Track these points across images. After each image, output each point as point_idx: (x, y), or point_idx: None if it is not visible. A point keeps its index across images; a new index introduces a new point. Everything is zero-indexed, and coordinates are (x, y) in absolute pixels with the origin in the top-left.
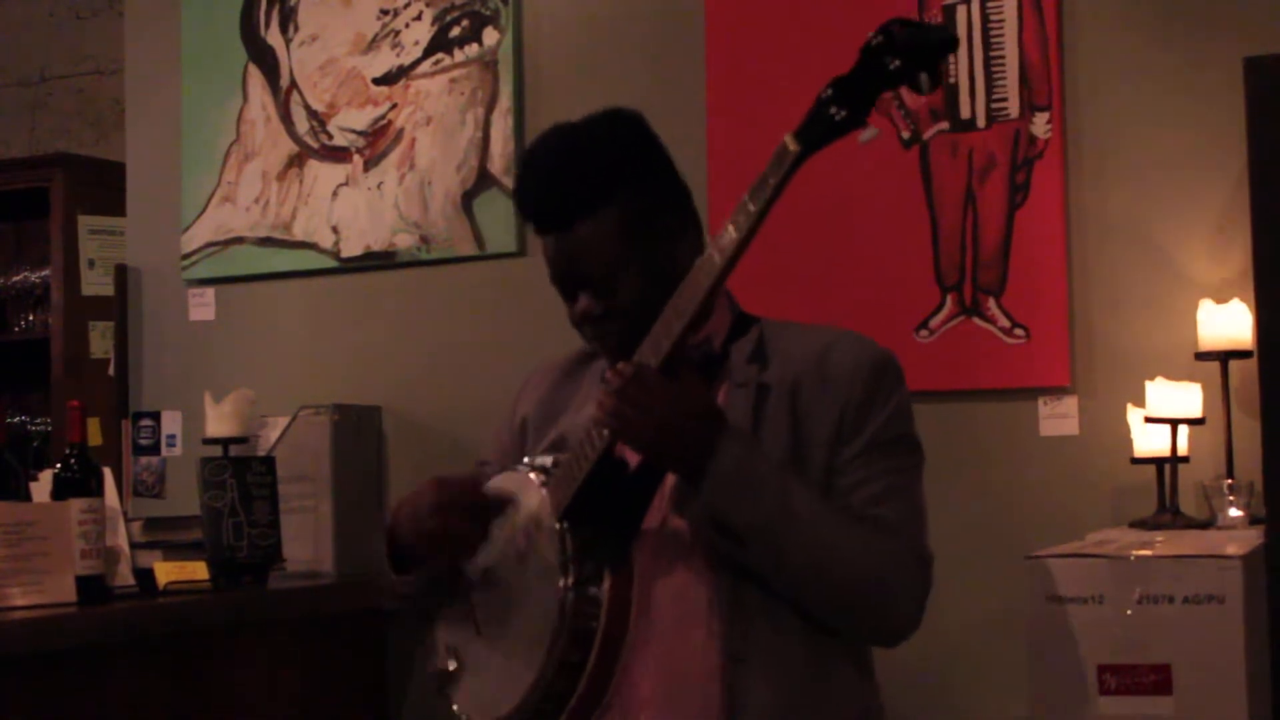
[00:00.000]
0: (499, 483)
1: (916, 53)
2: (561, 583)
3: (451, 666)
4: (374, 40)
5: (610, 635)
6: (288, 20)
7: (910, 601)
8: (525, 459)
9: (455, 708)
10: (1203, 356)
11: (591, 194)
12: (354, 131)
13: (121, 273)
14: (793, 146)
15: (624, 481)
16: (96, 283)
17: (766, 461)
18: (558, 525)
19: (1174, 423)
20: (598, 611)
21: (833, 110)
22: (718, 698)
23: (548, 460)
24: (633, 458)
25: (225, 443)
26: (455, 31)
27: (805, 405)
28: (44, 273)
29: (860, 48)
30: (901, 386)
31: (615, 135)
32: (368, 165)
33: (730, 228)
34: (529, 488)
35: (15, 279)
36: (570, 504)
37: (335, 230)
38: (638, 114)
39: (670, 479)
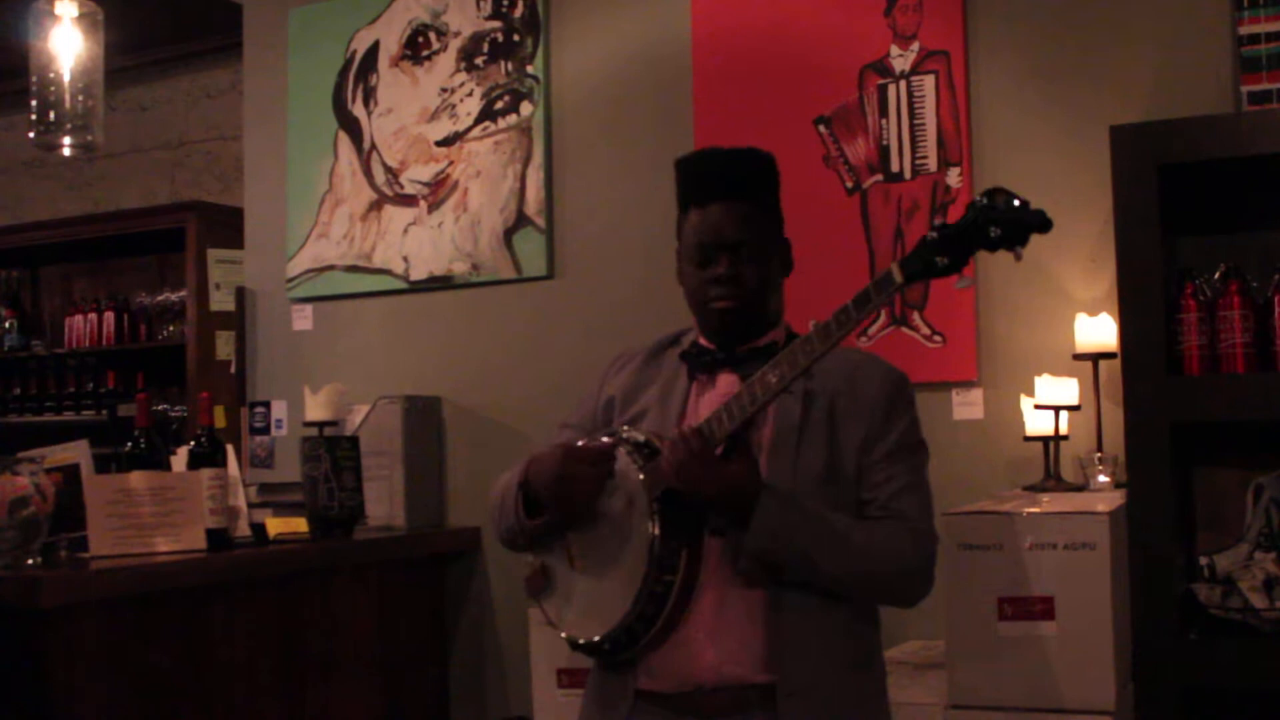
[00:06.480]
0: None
1: (1017, 229)
2: (650, 551)
3: (542, 586)
4: (436, 112)
5: (683, 591)
6: (369, 97)
7: (924, 579)
8: (615, 428)
9: (548, 619)
10: (1078, 357)
11: (757, 184)
12: (420, 183)
13: (241, 293)
14: (898, 278)
15: None
16: (221, 301)
17: (796, 507)
18: (652, 504)
19: (1056, 409)
20: (675, 576)
21: (938, 258)
22: (761, 632)
23: (638, 435)
24: None
25: (320, 425)
26: (499, 105)
27: (841, 414)
28: (181, 293)
29: (967, 204)
30: (913, 400)
31: (769, 160)
32: (431, 209)
33: (833, 323)
34: (628, 466)
35: (159, 298)
36: (663, 492)
37: (405, 259)
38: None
39: None
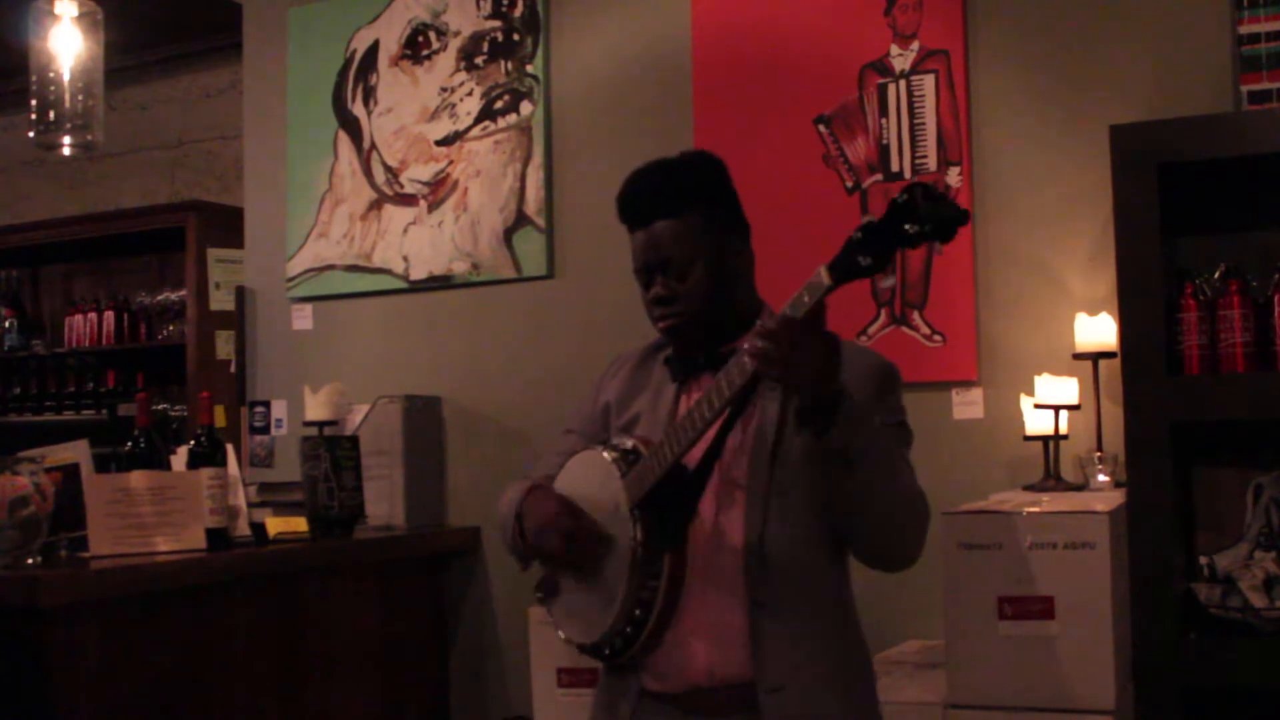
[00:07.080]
0: (586, 470)
1: (934, 225)
2: (633, 556)
3: (550, 591)
4: (436, 111)
5: (669, 593)
6: (369, 96)
7: (924, 535)
8: (608, 438)
9: (555, 624)
10: (1078, 357)
11: (678, 199)
12: (420, 182)
13: (241, 292)
14: (826, 280)
15: (684, 479)
16: (221, 300)
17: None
18: (633, 511)
19: (1056, 408)
20: (659, 580)
21: (860, 258)
22: (745, 632)
23: (627, 442)
24: (691, 461)
25: (320, 425)
26: (499, 104)
27: None
28: (181, 293)
29: (889, 201)
30: (899, 387)
31: (704, 164)
32: (431, 208)
33: (788, 310)
34: (611, 476)
35: (159, 298)
36: (643, 498)
37: (405, 259)
38: (720, 159)
39: (716, 479)
